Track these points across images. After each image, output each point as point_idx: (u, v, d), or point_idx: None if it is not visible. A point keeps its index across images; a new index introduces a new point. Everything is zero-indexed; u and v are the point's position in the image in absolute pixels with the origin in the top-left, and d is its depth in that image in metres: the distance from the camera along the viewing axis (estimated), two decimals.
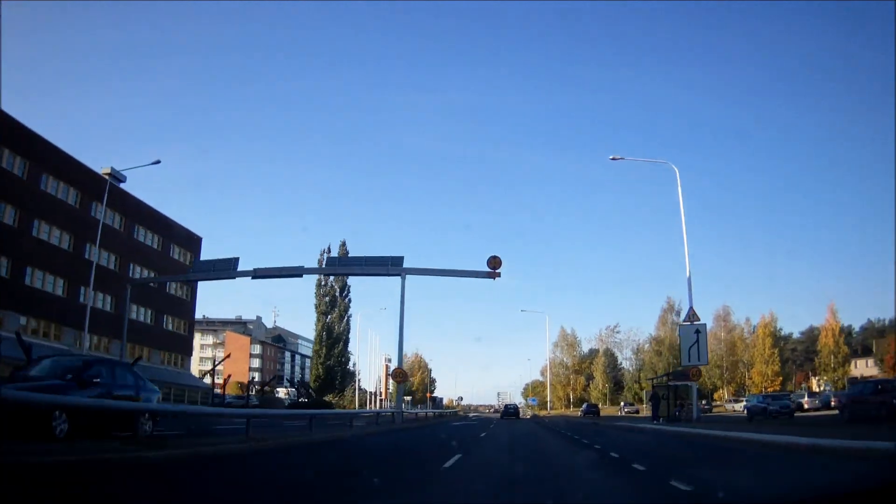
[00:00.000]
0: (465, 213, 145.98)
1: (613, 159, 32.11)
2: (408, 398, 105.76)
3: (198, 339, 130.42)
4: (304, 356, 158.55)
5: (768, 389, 68.64)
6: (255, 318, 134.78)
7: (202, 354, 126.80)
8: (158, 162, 35.43)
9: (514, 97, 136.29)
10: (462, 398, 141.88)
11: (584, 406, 62.35)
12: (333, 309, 63.57)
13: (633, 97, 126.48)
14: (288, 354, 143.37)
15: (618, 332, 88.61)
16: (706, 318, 76.13)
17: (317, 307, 63.30)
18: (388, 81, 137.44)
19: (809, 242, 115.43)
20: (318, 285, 63.87)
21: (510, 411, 65.46)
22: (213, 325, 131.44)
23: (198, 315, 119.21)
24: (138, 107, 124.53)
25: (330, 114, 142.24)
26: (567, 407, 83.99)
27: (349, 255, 67.82)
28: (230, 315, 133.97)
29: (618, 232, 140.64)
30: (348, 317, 66.09)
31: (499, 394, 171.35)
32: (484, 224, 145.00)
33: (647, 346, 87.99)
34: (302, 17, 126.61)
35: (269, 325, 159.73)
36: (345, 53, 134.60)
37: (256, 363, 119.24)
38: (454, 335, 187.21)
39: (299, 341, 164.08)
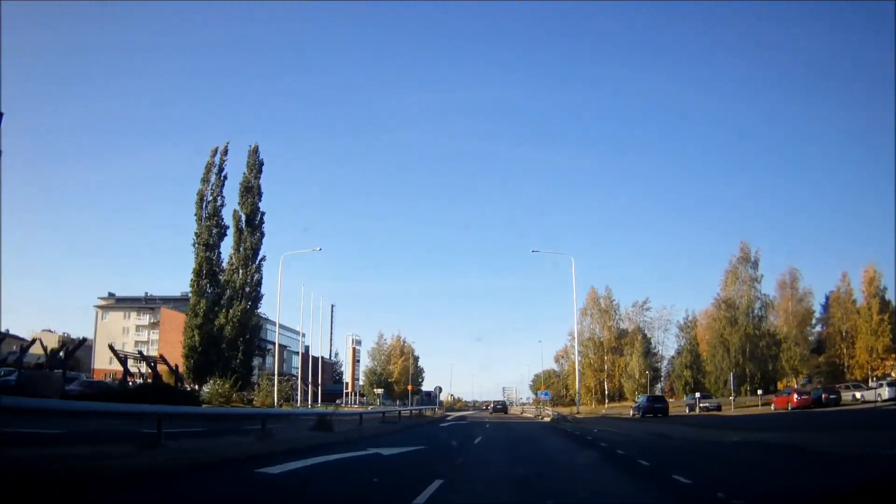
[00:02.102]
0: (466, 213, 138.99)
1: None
2: (379, 391, 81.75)
3: (133, 319, 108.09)
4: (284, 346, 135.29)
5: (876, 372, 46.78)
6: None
7: (137, 337, 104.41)
8: None
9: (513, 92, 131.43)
10: (457, 396, 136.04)
11: (642, 400, 37.80)
12: (221, 242, 39.64)
13: (637, 93, 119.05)
14: None
15: (648, 309, 64.40)
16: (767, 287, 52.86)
17: (197, 237, 39.13)
18: (384, 78, 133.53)
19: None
20: (201, 200, 39.75)
21: (498, 408, 70.07)
22: (153, 303, 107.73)
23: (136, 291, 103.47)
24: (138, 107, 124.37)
25: (329, 110, 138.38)
26: (601, 402, 59.56)
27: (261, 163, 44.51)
28: (175, 292, 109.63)
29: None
30: (260, 259, 42.08)
31: (504, 389, 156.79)
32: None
33: (697, 320, 63.96)
34: (301, 16, 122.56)
35: None
36: (340, 51, 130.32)
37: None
38: (461, 332, 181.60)
39: (267, 327, 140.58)
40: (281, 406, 43.70)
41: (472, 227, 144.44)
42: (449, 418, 38.86)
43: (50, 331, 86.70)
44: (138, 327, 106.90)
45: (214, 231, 39.66)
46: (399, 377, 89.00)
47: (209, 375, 38.55)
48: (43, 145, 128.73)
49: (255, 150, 44.29)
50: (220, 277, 39.56)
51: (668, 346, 71.78)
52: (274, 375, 46.33)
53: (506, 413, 68.56)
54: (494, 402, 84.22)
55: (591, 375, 60.27)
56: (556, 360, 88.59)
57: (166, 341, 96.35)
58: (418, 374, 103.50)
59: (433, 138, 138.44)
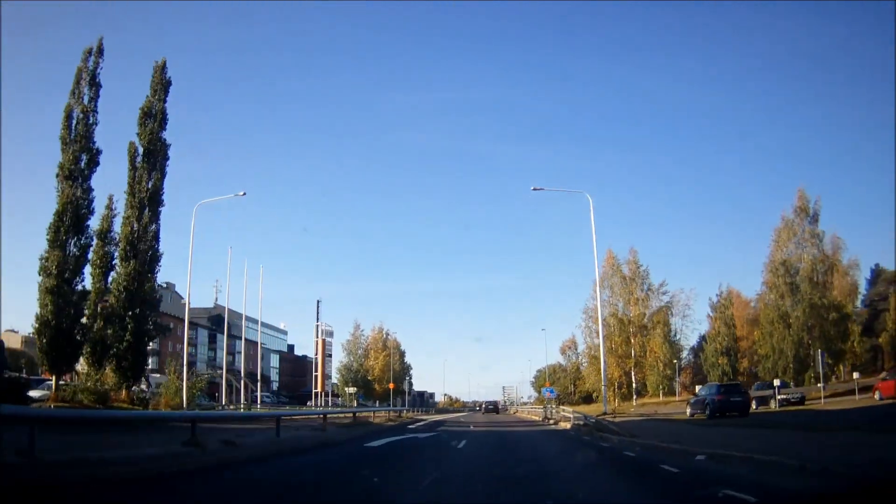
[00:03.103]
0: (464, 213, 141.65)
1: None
2: (350, 390, 69.73)
3: None
4: (253, 342, 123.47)
5: None
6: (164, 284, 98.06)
7: None
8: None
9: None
10: (455, 397, 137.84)
11: (709, 392, 25.06)
12: (92, 174, 27.61)
13: (638, 93, 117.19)
14: (218, 338, 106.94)
15: (665, 293, 52.13)
16: None
17: (61, 168, 27.10)
18: (383, 78, 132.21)
19: None
20: (67, 118, 27.85)
21: (489, 408, 68.11)
22: None
23: None
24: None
25: (328, 111, 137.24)
26: (626, 398, 47.10)
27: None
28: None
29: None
30: (160, 207, 30.53)
31: (504, 388, 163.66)
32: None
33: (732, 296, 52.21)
34: (299, 16, 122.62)
35: (208, 303, 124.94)
36: (339, 51, 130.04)
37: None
38: (459, 332, 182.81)
39: (248, 324, 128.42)
40: (195, 408, 32.01)
41: (471, 226, 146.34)
42: (415, 426, 26.72)
43: None
44: None
45: (84, 158, 27.64)
46: (381, 374, 76.71)
47: (75, 361, 26.69)
48: None
49: (163, 68, 32.27)
50: (90, 226, 27.61)
51: (685, 334, 60.24)
52: (184, 367, 34.28)
53: (497, 413, 63.27)
54: (486, 402, 76.16)
55: (614, 364, 47.04)
56: (563, 353, 76.94)
57: None
58: (404, 371, 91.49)
59: (431, 138, 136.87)
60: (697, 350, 60.52)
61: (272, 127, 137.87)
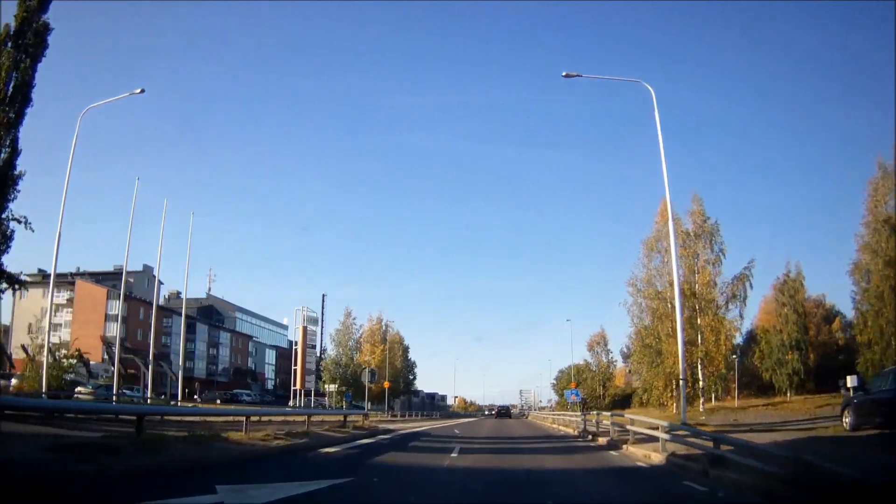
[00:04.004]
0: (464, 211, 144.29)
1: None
2: (331, 387, 58.04)
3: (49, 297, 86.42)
4: (249, 336, 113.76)
5: None
6: (141, 268, 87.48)
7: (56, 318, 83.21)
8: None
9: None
10: (470, 400, 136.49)
11: None
12: None
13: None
14: (209, 332, 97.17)
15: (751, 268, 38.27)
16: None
17: None
18: (389, 79, 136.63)
19: None
20: None
21: (502, 412, 68.00)
22: (81, 277, 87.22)
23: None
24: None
25: (330, 112, 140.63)
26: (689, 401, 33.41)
27: None
28: (107, 266, 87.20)
29: None
30: (28, 91, 20.21)
31: (521, 391, 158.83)
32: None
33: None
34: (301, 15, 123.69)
35: (199, 293, 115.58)
36: (341, 52, 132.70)
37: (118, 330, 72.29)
38: (475, 336, 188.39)
39: (238, 315, 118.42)
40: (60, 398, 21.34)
41: (477, 229, 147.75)
42: (329, 451, 14.10)
43: None
44: (58, 306, 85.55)
45: None
46: (378, 371, 64.92)
47: None
48: None
49: None
50: None
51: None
52: (46, 344, 23.36)
53: (510, 418, 60.46)
54: (498, 406, 77.48)
55: (670, 350, 30.48)
56: (590, 349, 64.78)
57: (80, 321, 76.38)
58: (408, 369, 79.73)
59: (441, 140, 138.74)
60: (744, 346, 48.02)
61: (278, 123, 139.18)
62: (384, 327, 70.81)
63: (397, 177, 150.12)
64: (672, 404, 31.94)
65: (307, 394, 55.53)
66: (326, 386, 60.58)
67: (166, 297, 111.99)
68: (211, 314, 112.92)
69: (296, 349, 55.53)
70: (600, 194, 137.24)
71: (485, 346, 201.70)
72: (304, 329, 54.87)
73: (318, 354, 63.51)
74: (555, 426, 30.90)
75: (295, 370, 54.33)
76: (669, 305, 30.25)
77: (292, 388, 55.05)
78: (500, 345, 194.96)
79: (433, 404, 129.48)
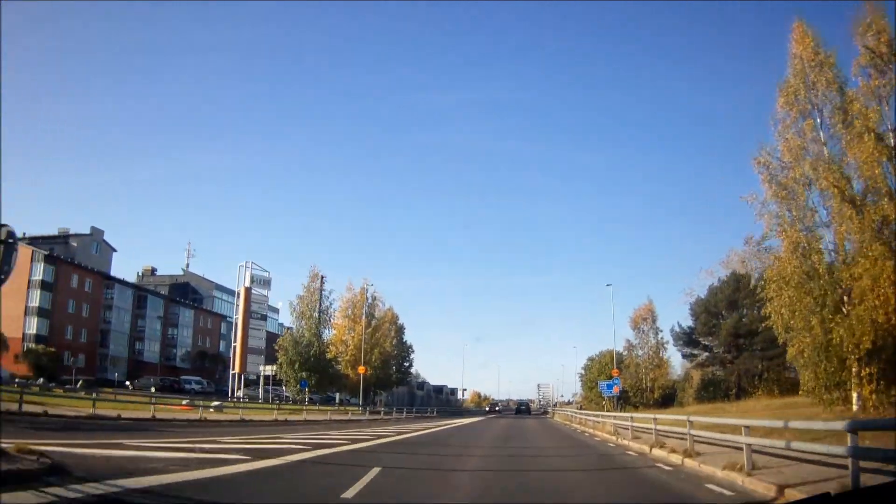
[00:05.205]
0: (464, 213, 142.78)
1: None
2: (266, 370, 42.82)
3: None
4: (222, 316, 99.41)
5: None
6: (88, 230, 73.06)
7: None
8: None
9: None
10: (486, 394, 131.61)
11: None
12: None
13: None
14: (184, 312, 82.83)
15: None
16: None
17: None
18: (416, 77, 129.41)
19: None
20: None
21: (521, 409, 74.52)
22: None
23: None
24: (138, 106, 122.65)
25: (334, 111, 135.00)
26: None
27: None
28: (52, 229, 72.93)
29: None
30: None
31: (539, 386, 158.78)
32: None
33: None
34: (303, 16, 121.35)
35: (175, 269, 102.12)
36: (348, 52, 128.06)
37: (43, 302, 58.08)
38: (498, 328, 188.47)
39: (216, 293, 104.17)
40: None
41: (485, 225, 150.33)
42: None
43: None
44: None
45: None
46: (356, 354, 49.47)
47: None
48: None
49: None
50: None
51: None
52: None
53: (529, 415, 58.95)
54: (518, 402, 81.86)
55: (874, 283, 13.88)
56: (635, 327, 49.14)
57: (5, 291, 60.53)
58: (403, 354, 64.49)
59: (469, 137, 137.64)
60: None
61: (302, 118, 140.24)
62: (369, 299, 55.50)
63: (413, 172, 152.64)
64: (838, 402, 16.28)
65: (257, 382, 40.55)
66: (289, 371, 45.62)
67: (139, 273, 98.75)
68: (186, 292, 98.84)
69: (235, 319, 40.48)
70: None
71: (500, 340, 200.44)
72: (248, 291, 39.82)
73: (278, 330, 48.47)
74: (583, 428, 18.03)
75: (235, 347, 39.40)
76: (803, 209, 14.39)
77: (231, 372, 40.10)
78: (522, 339, 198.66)
79: (441, 398, 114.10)
